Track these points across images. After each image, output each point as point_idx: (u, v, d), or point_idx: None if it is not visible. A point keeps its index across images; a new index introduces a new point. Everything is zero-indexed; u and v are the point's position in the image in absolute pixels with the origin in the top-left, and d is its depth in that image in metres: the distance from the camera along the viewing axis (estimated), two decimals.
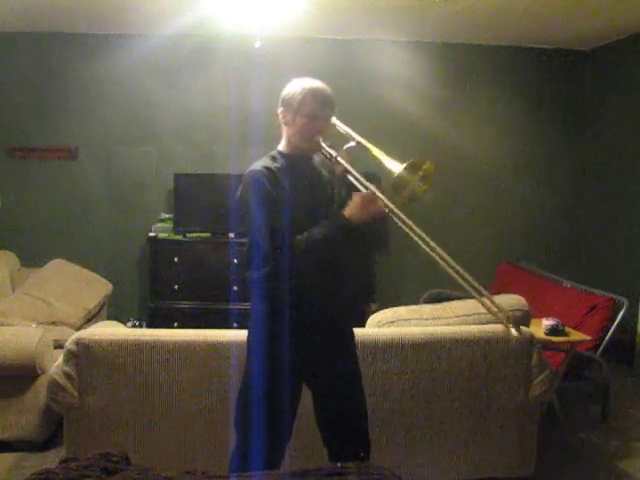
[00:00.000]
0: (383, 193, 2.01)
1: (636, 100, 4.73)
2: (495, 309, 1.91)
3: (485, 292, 1.90)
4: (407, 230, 1.96)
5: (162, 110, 5.06)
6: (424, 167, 1.99)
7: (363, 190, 2.07)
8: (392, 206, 1.98)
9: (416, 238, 1.94)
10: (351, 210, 2.04)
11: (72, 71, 4.98)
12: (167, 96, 5.05)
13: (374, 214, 2.04)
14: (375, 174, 2.09)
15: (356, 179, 2.08)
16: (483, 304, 1.92)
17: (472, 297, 1.91)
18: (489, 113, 5.33)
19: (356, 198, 2.04)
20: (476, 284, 1.88)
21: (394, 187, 1.97)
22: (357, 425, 2.21)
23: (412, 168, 1.96)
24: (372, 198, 2.02)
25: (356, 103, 4.95)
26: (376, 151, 2.08)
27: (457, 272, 1.86)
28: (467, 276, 1.86)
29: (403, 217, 1.96)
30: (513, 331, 1.87)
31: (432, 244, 1.91)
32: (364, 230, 2.18)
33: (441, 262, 1.88)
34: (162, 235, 4.82)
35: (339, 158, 2.10)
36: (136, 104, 5.05)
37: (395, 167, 1.96)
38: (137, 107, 5.05)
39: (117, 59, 4.89)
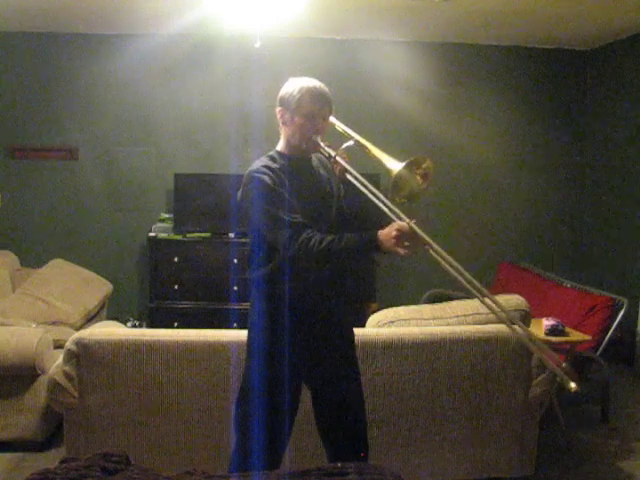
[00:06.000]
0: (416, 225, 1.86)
1: (636, 100, 4.73)
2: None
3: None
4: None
5: (162, 110, 5.06)
6: (424, 165, 1.96)
7: (367, 193, 1.98)
8: (430, 241, 1.84)
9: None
10: (386, 237, 1.88)
11: (72, 71, 4.98)
12: (167, 96, 5.05)
13: (406, 250, 1.86)
14: (374, 174, 2.06)
15: (355, 178, 2.05)
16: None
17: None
18: (489, 113, 5.32)
19: (396, 227, 1.86)
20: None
21: (393, 186, 1.95)
22: (355, 426, 2.20)
23: (411, 166, 1.94)
24: (412, 236, 1.85)
25: (356, 103, 4.96)
26: (375, 150, 2.06)
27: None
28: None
29: (437, 249, 1.84)
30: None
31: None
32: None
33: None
34: (162, 235, 4.82)
35: (337, 157, 2.08)
36: (136, 104, 5.05)
37: (395, 166, 1.94)
38: (137, 107, 5.06)
39: (117, 59, 4.89)
